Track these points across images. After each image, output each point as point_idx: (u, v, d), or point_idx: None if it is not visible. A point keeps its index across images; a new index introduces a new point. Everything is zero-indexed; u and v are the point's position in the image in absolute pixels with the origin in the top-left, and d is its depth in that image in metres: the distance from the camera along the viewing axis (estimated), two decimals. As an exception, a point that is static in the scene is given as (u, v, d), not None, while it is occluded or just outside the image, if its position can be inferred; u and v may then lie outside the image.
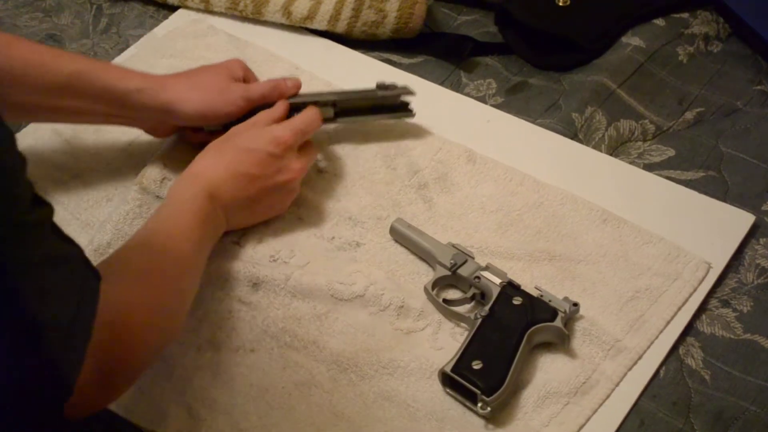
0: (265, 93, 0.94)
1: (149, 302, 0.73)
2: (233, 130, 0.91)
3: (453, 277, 0.87)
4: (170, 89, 0.91)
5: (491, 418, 0.78)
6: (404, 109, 1.00)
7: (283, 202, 0.92)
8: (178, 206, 0.83)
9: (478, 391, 0.77)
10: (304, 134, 0.92)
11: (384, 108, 1.00)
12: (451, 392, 0.80)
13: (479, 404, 0.77)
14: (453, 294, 0.88)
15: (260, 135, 0.89)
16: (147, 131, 0.97)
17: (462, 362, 0.79)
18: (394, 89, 0.98)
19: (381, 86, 0.98)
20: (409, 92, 0.99)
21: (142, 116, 0.93)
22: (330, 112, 0.97)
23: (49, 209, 0.59)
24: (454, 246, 0.89)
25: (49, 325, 0.57)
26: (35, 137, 1.02)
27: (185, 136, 0.97)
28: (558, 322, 0.82)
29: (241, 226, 0.91)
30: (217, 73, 0.95)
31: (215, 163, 0.87)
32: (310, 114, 0.93)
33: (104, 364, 0.66)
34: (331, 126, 1.00)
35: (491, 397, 0.77)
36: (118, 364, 0.69)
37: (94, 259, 0.88)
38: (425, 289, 0.87)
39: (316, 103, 0.95)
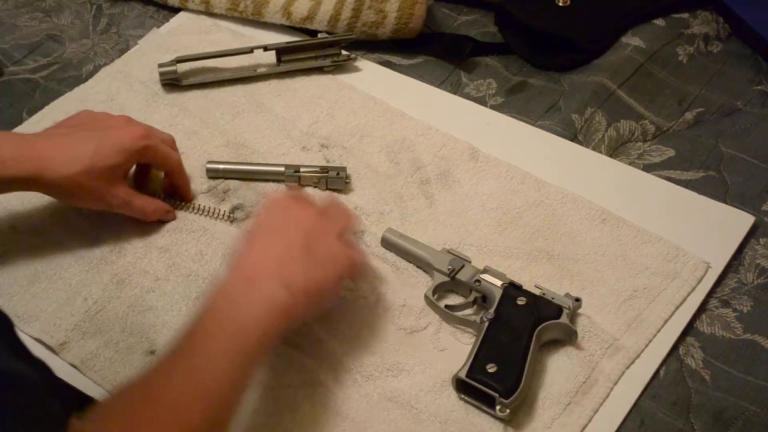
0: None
1: None
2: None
3: (452, 283, 0.87)
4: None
5: (509, 420, 0.78)
6: (346, 57, 1.09)
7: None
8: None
9: (496, 395, 0.76)
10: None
11: (326, 56, 1.09)
12: (465, 398, 0.79)
13: (498, 407, 0.76)
14: (454, 299, 0.88)
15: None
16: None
17: (476, 367, 0.78)
18: (335, 35, 1.08)
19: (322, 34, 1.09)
20: (350, 37, 1.08)
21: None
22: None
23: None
24: (449, 251, 0.89)
25: None
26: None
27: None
28: (564, 319, 0.82)
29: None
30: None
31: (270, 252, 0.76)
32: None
33: None
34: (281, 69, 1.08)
35: (510, 399, 0.76)
36: None
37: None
38: (426, 296, 0.86)
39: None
